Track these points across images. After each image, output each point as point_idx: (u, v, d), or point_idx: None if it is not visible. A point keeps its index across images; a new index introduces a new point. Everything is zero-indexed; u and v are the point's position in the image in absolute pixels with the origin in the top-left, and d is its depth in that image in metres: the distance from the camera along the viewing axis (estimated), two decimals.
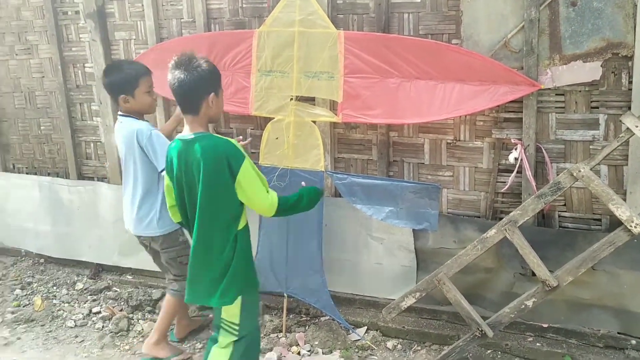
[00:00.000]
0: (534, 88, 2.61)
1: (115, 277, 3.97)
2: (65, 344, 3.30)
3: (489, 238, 2.62)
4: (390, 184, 3.00)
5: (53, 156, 4.27)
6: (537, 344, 2.88)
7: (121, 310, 3.59)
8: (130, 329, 3.40)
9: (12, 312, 3.63)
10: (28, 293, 3.90)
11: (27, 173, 4.38)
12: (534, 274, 2.60)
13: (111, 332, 3.36)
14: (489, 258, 2.97)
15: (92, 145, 4.08)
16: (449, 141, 3.04)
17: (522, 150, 2.78)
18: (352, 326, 3.21)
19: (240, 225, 2.31)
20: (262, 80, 3.10)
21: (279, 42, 3.01)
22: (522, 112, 2.78)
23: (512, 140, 2.83)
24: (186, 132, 2.25)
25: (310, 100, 3.14)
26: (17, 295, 3.87)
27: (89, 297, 3.79)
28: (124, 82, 2.76)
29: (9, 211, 4.38)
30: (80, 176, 4.14)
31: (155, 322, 3.16)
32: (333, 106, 3.07)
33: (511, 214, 2.60)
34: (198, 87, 2.15)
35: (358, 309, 3.33)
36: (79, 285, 3.93)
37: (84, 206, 4.04)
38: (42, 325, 3.50)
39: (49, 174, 4.27)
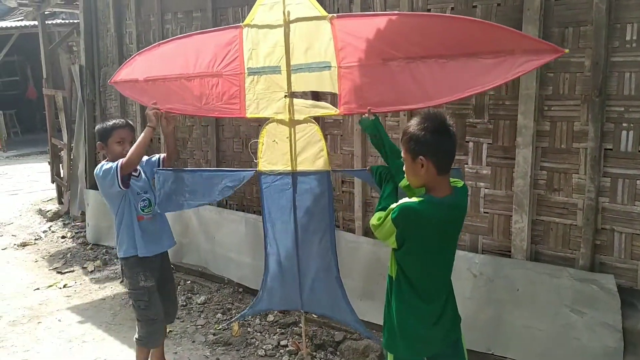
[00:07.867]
0: (558, 53, 2.12)
1: (301, 314, 4.18)
2: None
3: None
4: None
5: (259, 196, 4.71)
6: None
7: (306, 347, 3.76)
8: None
9: (214, 334, 4.05)
10: (227, 318, 4.31)
11: (237, 209, 4.91)
12: None
13: None
14: None
15: None
16: None
17: None
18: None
19: None
20: (253, 79, 2.87)
21: (267, 36, 2.79)
22: None
23: None
24: None
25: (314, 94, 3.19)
26: (218, 318, 4.30)
27: (278, 329, 4.06)
28: (102, 131, 3.12)
29: (217, 241, 4.94)
30: None
31: None
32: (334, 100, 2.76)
33: None
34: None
35: None
36: (270, 318, 4.23)
37: None
38: (237, 350, 3.83)
39: (254, 212, 4.73)
